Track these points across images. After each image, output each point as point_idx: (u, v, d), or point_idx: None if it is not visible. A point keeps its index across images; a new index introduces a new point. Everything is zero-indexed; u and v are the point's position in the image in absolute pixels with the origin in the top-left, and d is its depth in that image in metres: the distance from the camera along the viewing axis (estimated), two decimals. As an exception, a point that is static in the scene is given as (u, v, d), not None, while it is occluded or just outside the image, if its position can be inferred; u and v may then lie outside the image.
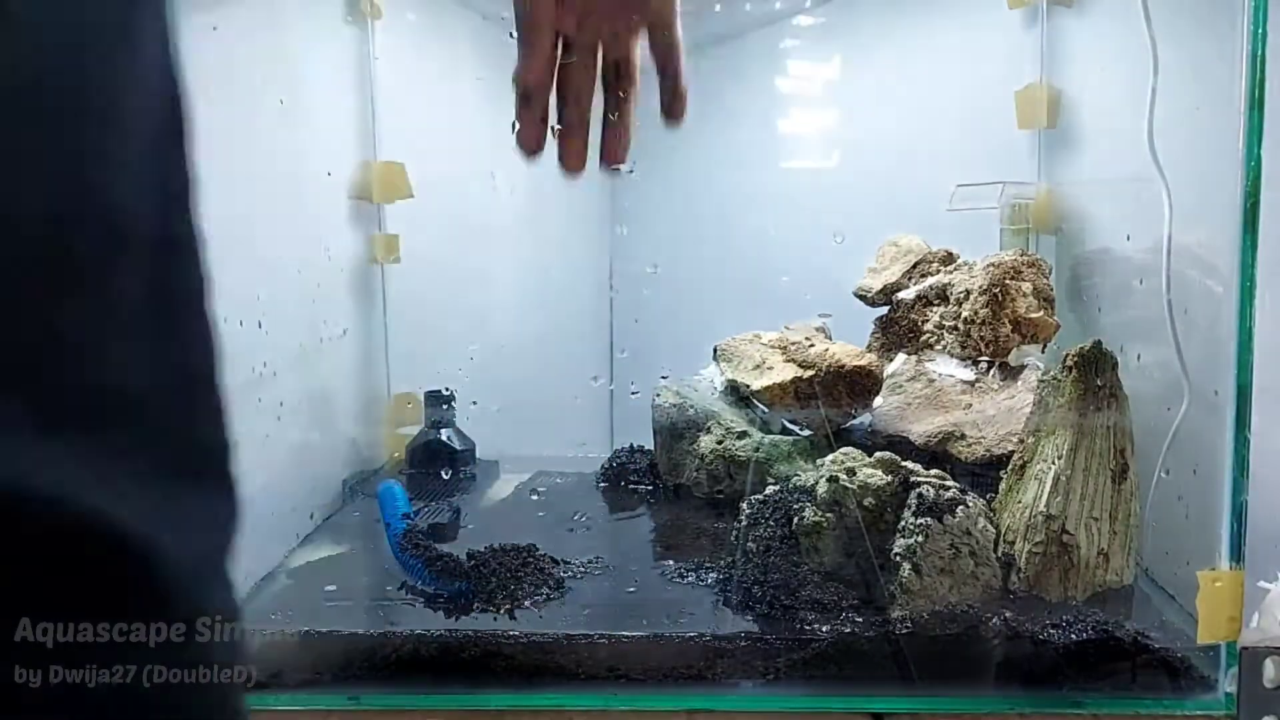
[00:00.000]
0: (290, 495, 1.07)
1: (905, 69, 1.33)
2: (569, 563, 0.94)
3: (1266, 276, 0.74)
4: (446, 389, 1.28)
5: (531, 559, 0.91)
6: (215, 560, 0.34)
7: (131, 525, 0.29)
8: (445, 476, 1.25)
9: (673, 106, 0.69)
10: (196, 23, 0.81)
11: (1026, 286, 1.09)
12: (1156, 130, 0.90)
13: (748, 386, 1.15)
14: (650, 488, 1.21)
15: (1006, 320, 1.09)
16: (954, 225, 1.20)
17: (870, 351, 1.19)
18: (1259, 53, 0.72)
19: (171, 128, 0.34)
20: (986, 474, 0.97)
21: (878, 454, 0.90)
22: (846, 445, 0.94)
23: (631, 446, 1.26)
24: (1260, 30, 0.72)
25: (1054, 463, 0.85)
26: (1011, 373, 1.09)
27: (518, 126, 0.67)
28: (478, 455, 1.30)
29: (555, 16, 0.66)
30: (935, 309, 1.17)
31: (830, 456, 0.92)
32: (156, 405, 0.33)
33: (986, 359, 1.11)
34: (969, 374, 1.12)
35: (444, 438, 1.28)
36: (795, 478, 0.95)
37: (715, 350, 1.24)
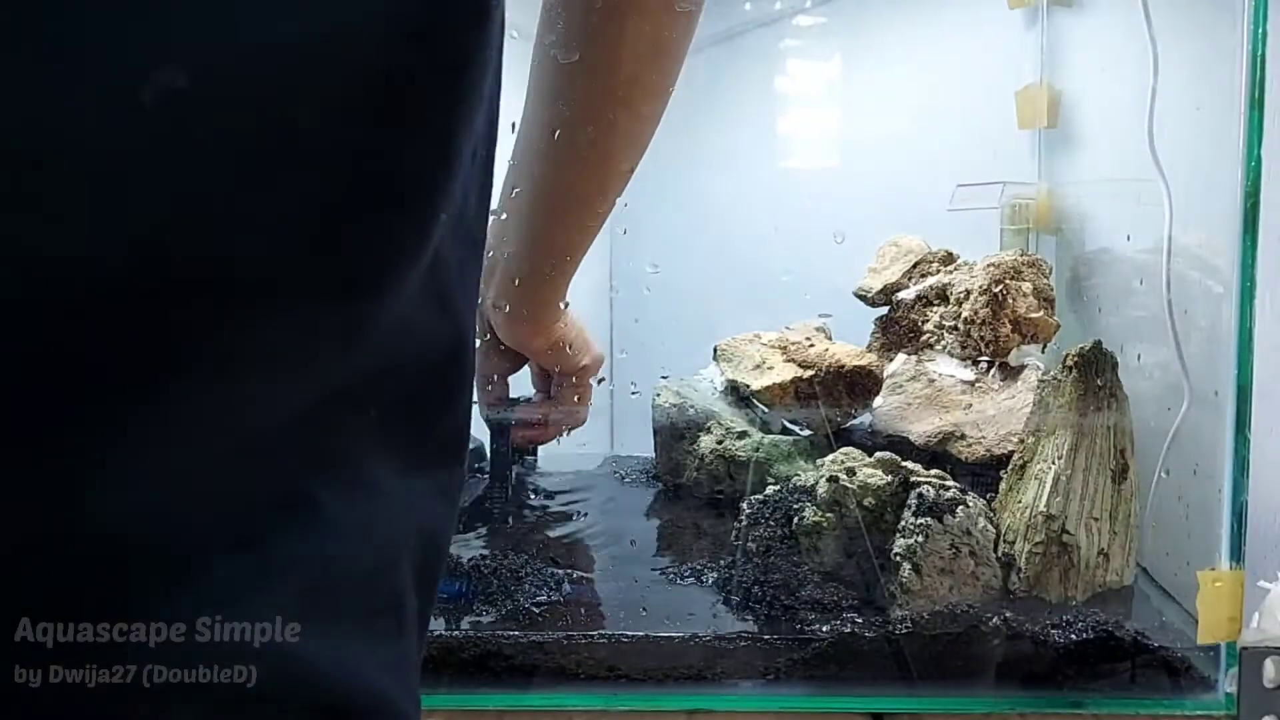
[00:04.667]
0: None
1: (905, 69, 1.33)
2: (568, 562, 0.94)
3: (1266, 276, 0.74)
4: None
5: (531, 559, 0.91)
6: None
7: None
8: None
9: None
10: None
11: (1026, 286, 1.09)
12: (1156, 130, 0.90)
13: (748, 386, 1.15)
14: (650, 488, 1.21)
15: (1006, 320, 1.09)
16: (954, 225, 1.20)
17: (870, 351, 1.19)
18: (1259, 53, 0.72)
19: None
20: (986, 474, 0.96)
21: (878, 454, 0.90)
22: (846, 445, 0.94)
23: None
24: (1260, 30, 0.72)
25: (1054, 463, 0.85)
26: (1011, 373, 1.09)
27: None
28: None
29: None
30: (935, 309, 1.17)
31: (830, 456, 0.92)
32: None
33: (986, 359, 1.11)
34: (969, 374, 1.12)
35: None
36: (795, 478, 0.95)
37: (715, 350, 1.24)
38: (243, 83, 0.27)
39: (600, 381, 1.00)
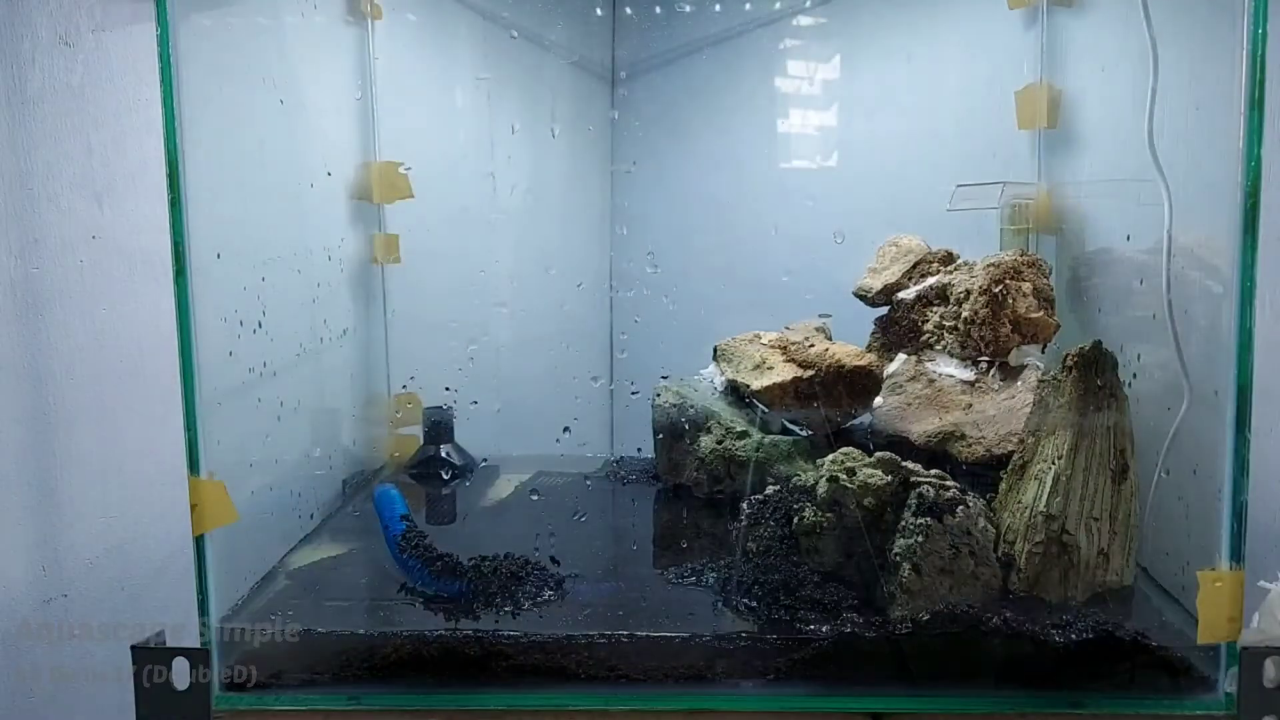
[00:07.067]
0: (290, 495, 1.07)
1: (905, 69, 1.33)
2: (568, 563, 0.94)
3: (1266, 276, 0.74)
4: (446, 406, 1.29)
5: (531, 560, 0.91)
6: None
7: None
8: (445, 476, 1.26)
9: None
10: (196, 23, 0.81)
11: (1026, 286, 1.09)
12: (1156, 130, 0.90)
13: (748, 386, 1.15)
14: (650, 487, 1.21)
15: (1006, 320, 1.09)
16: (954, 225, 1.20)
17: (870, 351, 1.19)
18: (1259, 53, 0.72)
19: None
20: (986, 474, 0.97)
21: (878, 454, 0.90)
22: (846, 445, 0.94)
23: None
24: (1260, 30, 0.72)
25: (1054, 463, 0.85)
26: (1011, 373, 1.09)
27: None
28: (477, 455, 1.30)
29: None
30: (935, 309, 1.17)
31: (830, 456, 0.92)
32: None
33: (986, 359, 1.11)
34: (969, 374, 1.12)
35: (444, 454, 1.28)
36: (795, 478, 0.95)
37: (715, 350, 1.24)
38: None
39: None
